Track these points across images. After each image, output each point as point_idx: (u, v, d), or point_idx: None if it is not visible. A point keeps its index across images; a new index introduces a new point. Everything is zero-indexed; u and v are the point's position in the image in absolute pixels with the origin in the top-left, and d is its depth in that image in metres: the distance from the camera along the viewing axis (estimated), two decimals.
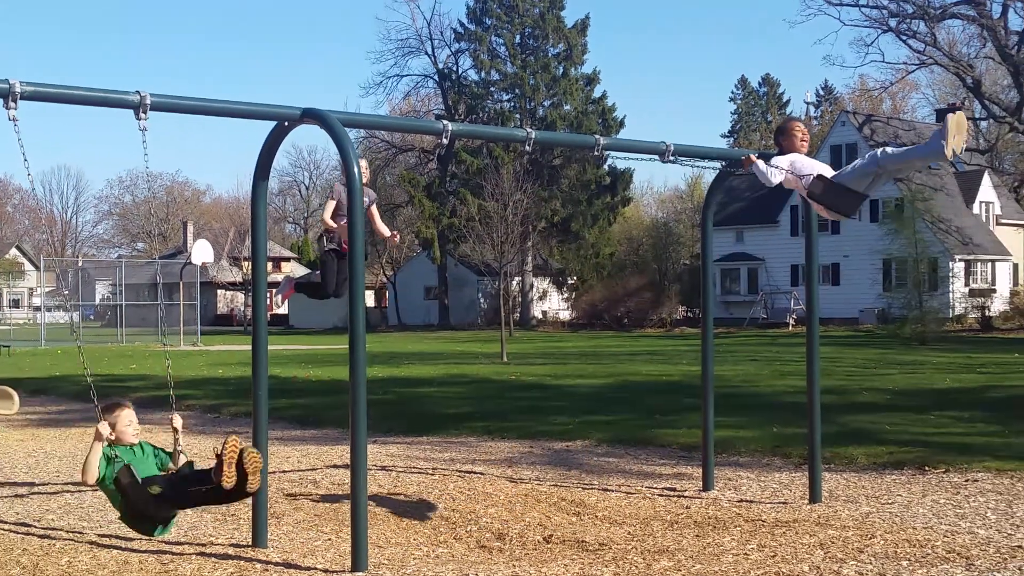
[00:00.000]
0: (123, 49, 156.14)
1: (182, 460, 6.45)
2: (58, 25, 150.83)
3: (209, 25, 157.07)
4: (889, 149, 7.54)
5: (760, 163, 7.91)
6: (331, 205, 8.90)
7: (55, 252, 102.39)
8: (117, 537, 7.73)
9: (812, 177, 7.72)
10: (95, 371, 25.37)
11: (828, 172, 7.76)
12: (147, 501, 6.17)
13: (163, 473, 6.34)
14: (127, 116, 6.33)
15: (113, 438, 6.28)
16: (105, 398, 6.57)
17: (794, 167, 7.86)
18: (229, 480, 5.96)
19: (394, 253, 72.42)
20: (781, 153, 8.06)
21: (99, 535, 7.80)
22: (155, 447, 6.50)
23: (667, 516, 8.32)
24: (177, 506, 6.36)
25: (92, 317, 79.36)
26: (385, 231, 9.39)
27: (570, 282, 64.69)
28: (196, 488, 6.15)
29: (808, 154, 8.01)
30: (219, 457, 6.00)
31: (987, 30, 49.76)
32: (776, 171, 7.84)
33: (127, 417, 6.40)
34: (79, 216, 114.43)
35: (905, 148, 7.70)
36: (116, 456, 6.19)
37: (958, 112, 7.20)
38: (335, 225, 8.87)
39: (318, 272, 9.37)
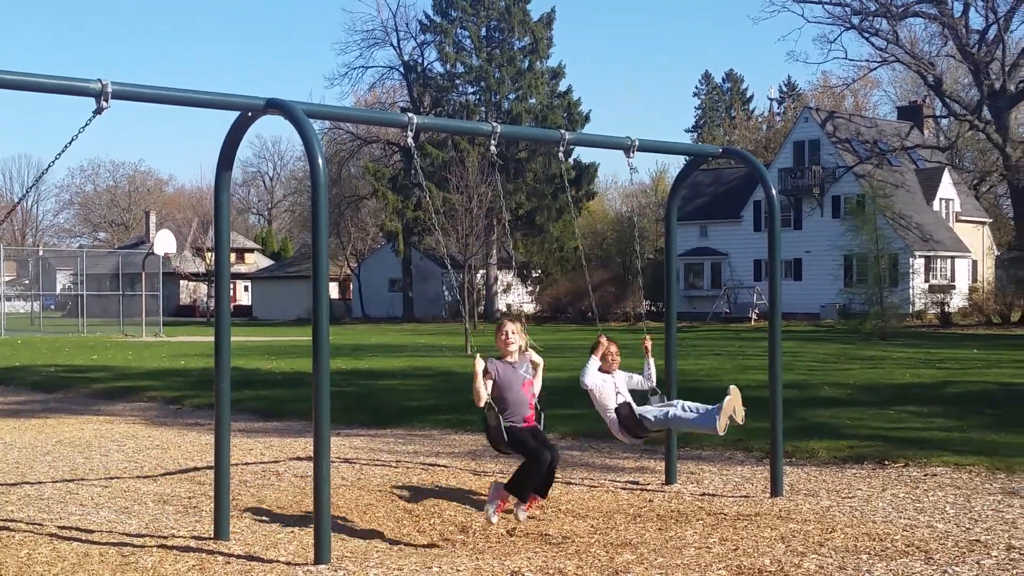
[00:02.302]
0: (84, 38, 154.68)
1: None
2: (20, 11, 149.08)
3: (173, 14, 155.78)
4: (679, 410, 8.11)
5: (590, 364, 8.25)
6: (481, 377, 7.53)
7: (15, 241, 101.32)
8: (77, 529, 7.66)
9: (623, 401, 8.20)
10: (56, 362, 25.15)
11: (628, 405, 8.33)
12: None
13: None
14: (89, 105, 6.26)
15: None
16: None
17: (603, 386, 8.24)
18: None
19: (358, 245, 72.24)
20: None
21: (59, 527, 7.73)
22: None
23: (630, 509, 8.35)
24: None
25: (53, 307, 78.60)
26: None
27: (534, 275, 64.75)
28: None
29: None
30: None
31: (948, 28, 50.16)
32: (589, 378, 8.22)
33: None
34: (40, 205, 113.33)
35: (690, 416, 8.11)
36: None
37: (733, 391, 7.96)
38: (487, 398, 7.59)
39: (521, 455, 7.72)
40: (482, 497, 8.75)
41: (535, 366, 7.91)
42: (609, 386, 8.28)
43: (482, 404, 7.41)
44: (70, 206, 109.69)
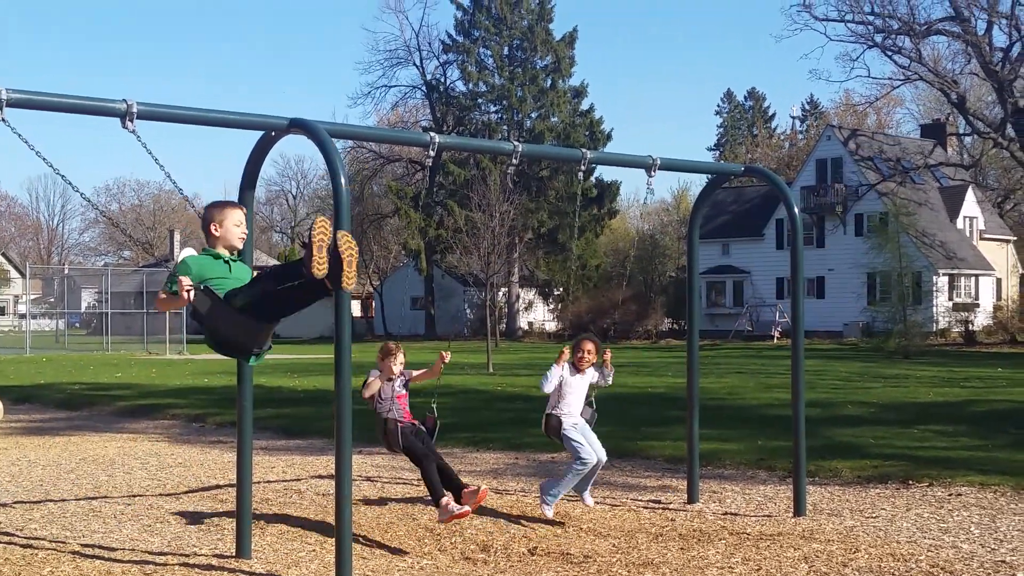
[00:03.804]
0: (108, 57, 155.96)
1: None
2: (44, 31, 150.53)
3: (197, 33, 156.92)
4: (578, 465, 8.52)
5: (554, 368, 8.60)
6: (375, 385, 8.61)
7: (41, 259, 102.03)
8: (100, 547, 7.69)
9: (555, 414, 8.63)
10: (80, 380, 25.28)
11: (582, 416, 8.72)
12: (234, 321, 5.51)
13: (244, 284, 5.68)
14: (114, 125, 6.32)
15: (218, 234, 5.95)
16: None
17: (562, 389, 8.67)
18: (321, 267, 5.13)
19: (380, 263, 72.39)
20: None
21: (82, 545, 7.76)
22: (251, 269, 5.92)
23: (652, 529, 8.32)
24: (267, 314, 5.58)
25: (78, 325, 79.03)
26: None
27: (556, 293, 64.73)
28: (285, 286, 5.38)
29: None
30: (306, 244, 5.17)
31: (972, 46, 49.96)
32: (549, 383, 8.64)
33: (238, 216, 5.93)
34: (65, 224, 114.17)
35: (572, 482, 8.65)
36: (197, 285, 5.63)
37: None
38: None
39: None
40: (504, 516, 8.74)
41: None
42: (570, 384, 8.69)
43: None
44: (95, 225, 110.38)
